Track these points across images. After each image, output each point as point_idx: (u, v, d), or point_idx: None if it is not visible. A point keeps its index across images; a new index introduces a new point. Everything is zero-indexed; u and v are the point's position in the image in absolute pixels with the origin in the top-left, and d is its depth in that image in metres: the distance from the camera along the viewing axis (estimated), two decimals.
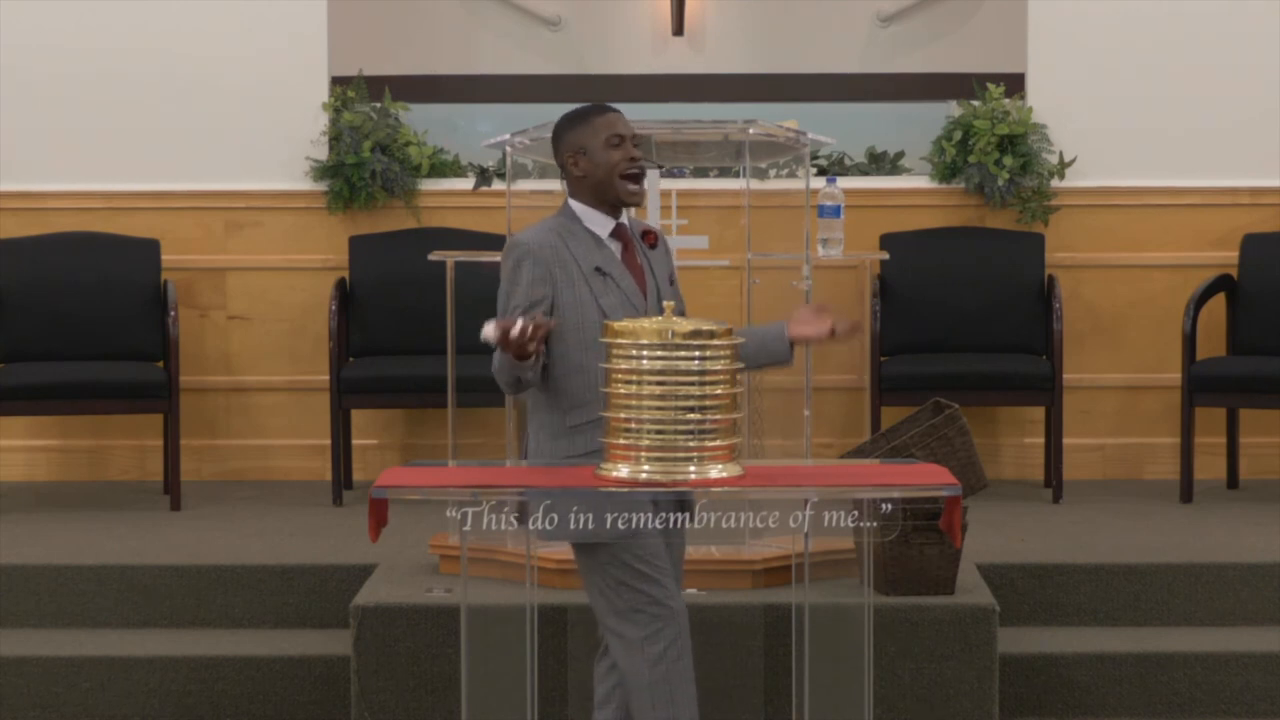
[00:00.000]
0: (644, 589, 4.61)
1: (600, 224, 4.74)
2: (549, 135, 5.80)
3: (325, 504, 7.50)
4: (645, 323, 4.32)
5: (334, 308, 7.58)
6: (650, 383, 4.28)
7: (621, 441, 4.30)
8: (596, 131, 4.69)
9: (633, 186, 4.70)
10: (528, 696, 4.94)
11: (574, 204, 4.76)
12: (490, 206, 7.84)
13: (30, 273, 7.75)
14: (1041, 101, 8.02)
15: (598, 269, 4.68)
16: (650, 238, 4.82)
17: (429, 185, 8.08)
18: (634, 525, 4.48)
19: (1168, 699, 5.90)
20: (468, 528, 4.38)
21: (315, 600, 6.26)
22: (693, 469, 4.29)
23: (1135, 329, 8.02)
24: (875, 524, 5.46)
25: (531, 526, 4.47)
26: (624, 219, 4.77)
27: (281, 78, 8.03)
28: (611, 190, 4.70)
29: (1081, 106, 8.00)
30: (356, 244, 7.92)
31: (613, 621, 4.66)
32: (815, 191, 6.36)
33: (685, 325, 4.30)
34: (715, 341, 4.30)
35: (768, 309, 6.09)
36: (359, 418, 7.92)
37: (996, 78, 8.13)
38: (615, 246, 4.75)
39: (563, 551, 5.56)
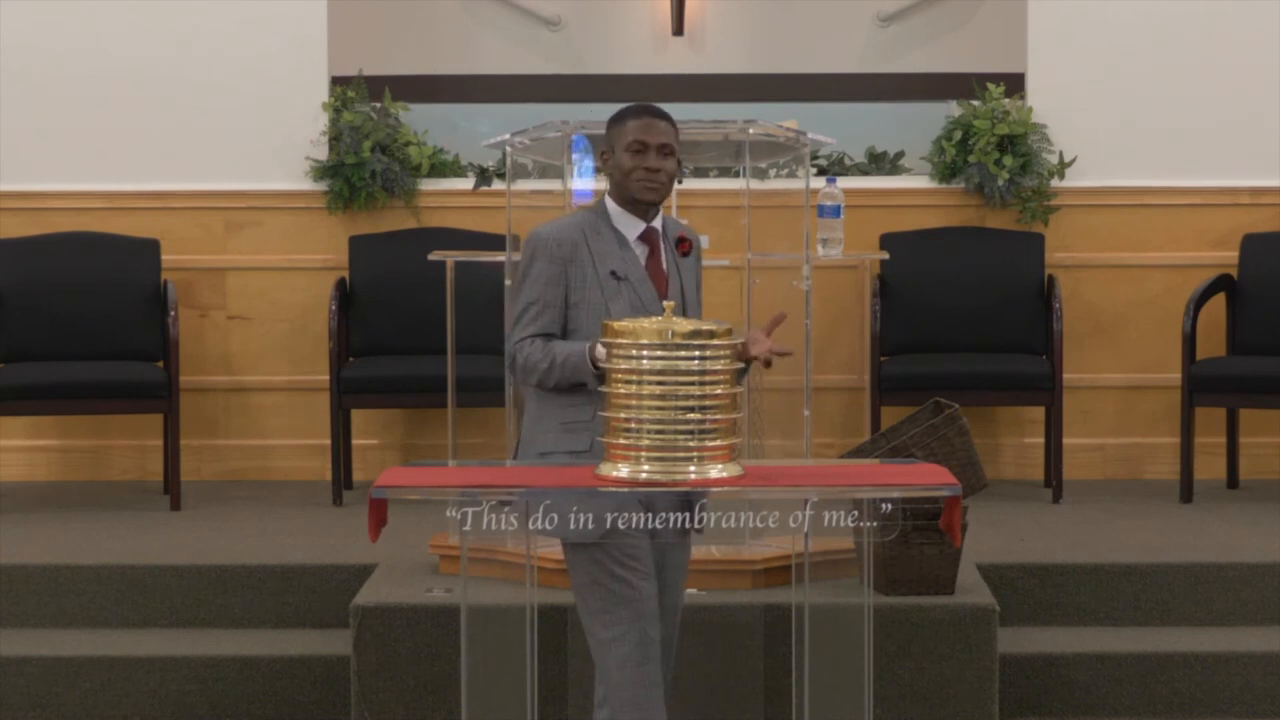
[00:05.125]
0: (615, 589, 4.63)
1: (629, 225, 4.74)
2: (549, 135, 5.84)
3: (325, 504, 7.50)
4: (645, 323, 4.32)
5: (334, 308, 7.59)
6: (650, 382, 4.28)
7: (621, 441, 4.30)
8: (624, 134, 4.70)
9: (648, 186, 4.69)
10: (528, 696, 4.94)
11: (609, 201, 4.77)
12: (490, 206, 7.84)
13: (30, 273, 7.75)
14: (1041, 101, 8.02)
15: (613, 273, 4.68)
16: (684, 246, 4.81)
17: (429, 185, 8.09)
18: (610, 525, 4.48)
19: (1168, 699, 5.91)
20: (468, 528, 4.38)
21: (315, 600, 6.26)
22: (693, 469, 4.29)
23: (1135, 329, 8.02)
24: (875, 524, 5.46)
25: (531, 526, 4.47)
26: (656, 223, 4.76)
27: (281, 78, 8.03)
28: (627, 190, 4.71)
29: (1081, 106, 8.00)
30: (356, 244, 7.92)
31: (586, 620, 4.70)
32: (815, 191, 6.36)
33: (685, 325, 4.30)
34: (715, 341, 4.30)
35: (768, 309, 6.09)
36: (359, 418, 7.92)
37: (996, 78, 8.13)
38: (641, 250, 4.74)
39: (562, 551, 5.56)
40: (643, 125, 4.69)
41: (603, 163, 4.75)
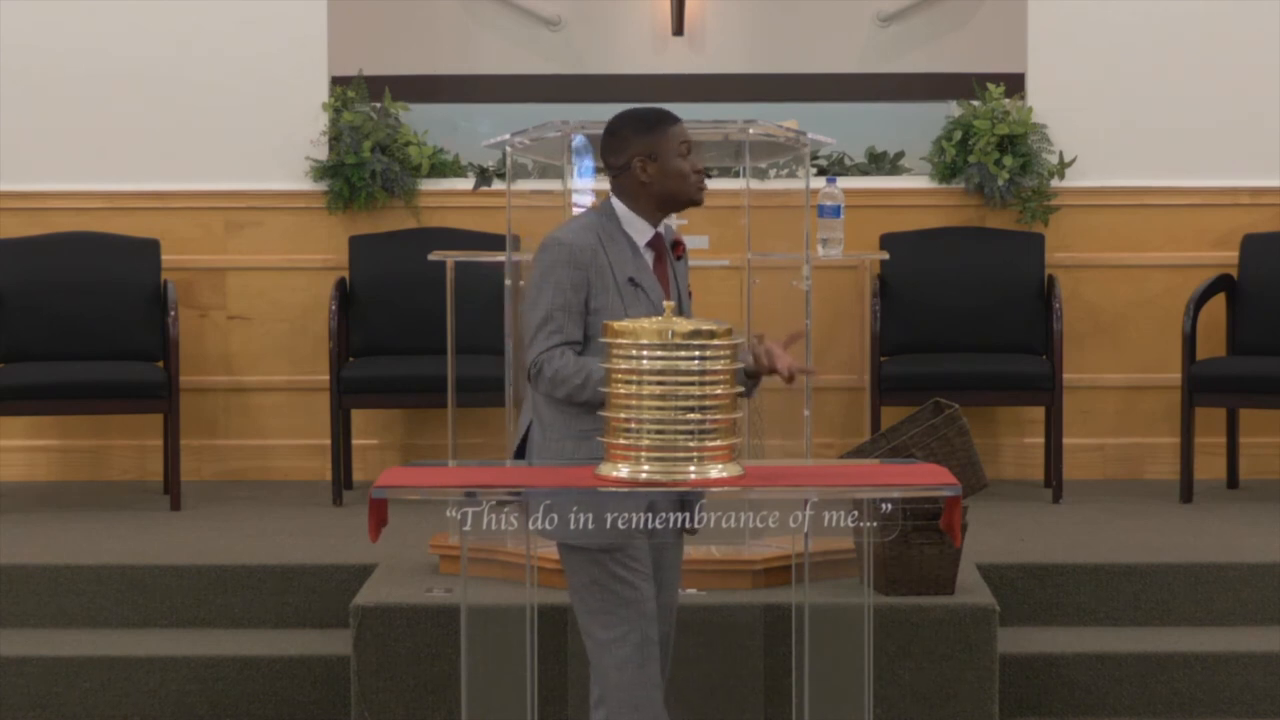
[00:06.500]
0: (617, 591, 4.62)
1: (640, 231, 4.72)
2: (549, 135, 5.83)
3: (325, 504, 7.50)
4: (645, 323, 4.32)
5: (334, 308, 7.59)
6: (650, 383, 4.28)
7: (621, 441, 4.30)
8: (669, 139, 4.68)
9: (702, 190, 4.73)
10: (528, 696, 4.94)
11: (617, 205, 4.73)
12: (490, 206, 7.84)
13: (30, 273, 7.75)
14: (1041, 101, 8.02)
15: (631, 279, 4.67)
16: (679, 249, 4.82)
17: (429, 185, 8.09)
18: (610, 526, 4.48)
19: (1168, 699, 5.91)
20: (468, 528, 4.38)
21: (315, 600, 6.26)
22: (693, 469, 4.29)
23: (1135, 329, 8.02)
24: (875, 524, 5.46)
25: (531, 526, 4.47)
26: (660, 228, 4.76)
27: (281, 78, 8.03)
28: (684, 194, 4.70)
29: (1081, 106, 8.00)
30: (356, 244, 7.92)
31: (585, 621, 4.68)
32: (815, 191, 6.36)
33: (685, 325, 4.30)
34: (715, 341, 4.30)
35: (768, 309, 6.09)
36: (359, 418, 7.92)
37: (996, 78, 8.13)
38: (649, 255, 4.74)
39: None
40: (682, 129, 4.72)
41: (639, 170, 4.71)
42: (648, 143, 4.69)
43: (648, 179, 4.69)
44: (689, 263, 4.95)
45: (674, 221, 5.09)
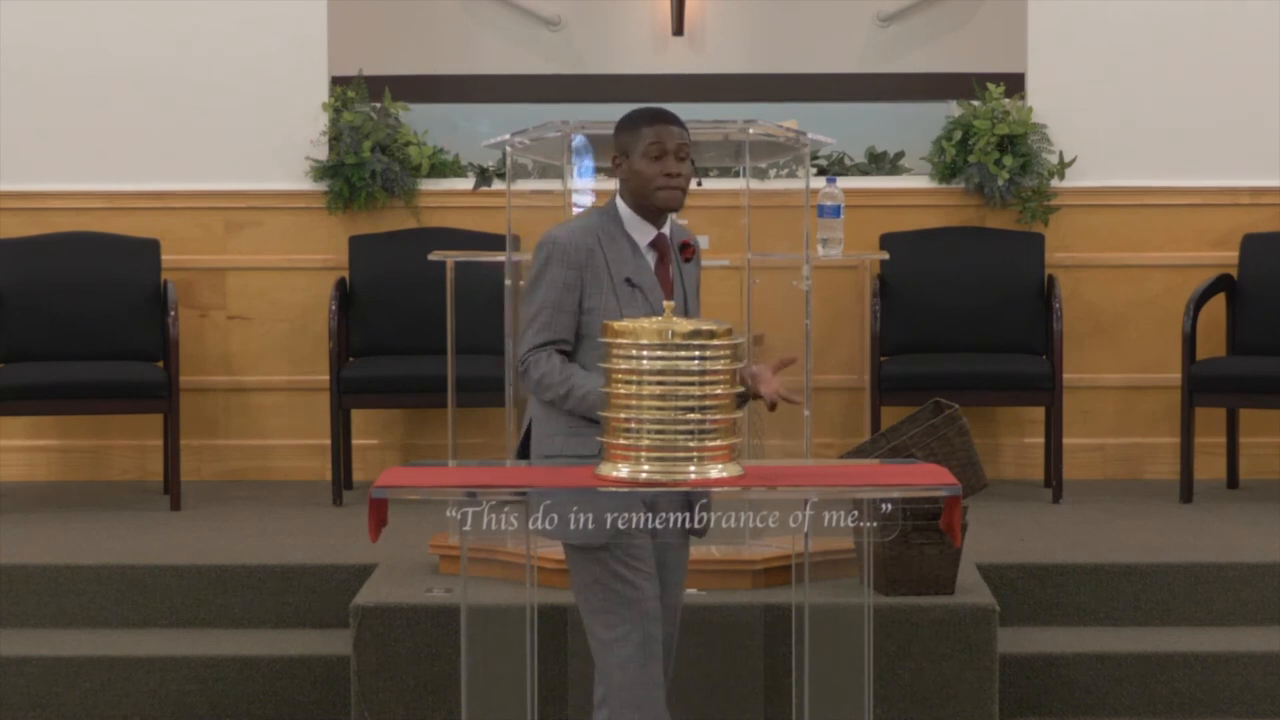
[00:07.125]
0: (618, 590, 4.63)
1: (641, 231, 4.71)
2: (549, 135, 5.84)
3: (325, 504, 7.50)
4: (645, 323, 4.32)
5: (334, 308, 7.59)
6: (650, 383, 4.28)
7: (621, 441, 4.30)
8: (640, 139, 4.65)
9: (669, 194, 4.66)
10: (528, 696, 4.94)
11: (620, 205, 4.73)
12: (490, 206, 7.84)
13: (30, 273, 7.75)
14: (1041, 101, 8.02)
15: (628, 280, 4.66)
16: (688, 251, 4.81)
17: (429, 185, 8.09)
18: (612, 526, 4.48)
19: (1168, 699, 5.91)
20: (468, 528, 4.38)
21: (315, 600, 6.26)
22: (693, 469, 4.29)
23: (1135, 329, 8.02)
24: (875, 524, 5.46)
25: (531, 526, 4.47)
26: (665, 229, 4.75)
27: (281, 78, 8.03)
28: (646, 198, 4.68)
29: (1081, 106, 8.00)
30: (356, 244, 7.92)
31: (588, 620, 4.70)
32: (815, 191, 6.36)
33: (685, 325, 4.30)
34: (715, 341, 4.30)
35: (768, 309, 6.09)
36: (359, 418, 7.92)
37: (996, 78, 8.13)
38: (651, 257, 4.73)
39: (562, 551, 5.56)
40: (658, 130, 4.65)
41: (614, 167, 4.71)
42: (622, 141, 4.70)
43: (622, 177, 4.69)
44: (699, 264, 4.93)
45: (683, 221, 5.08)
